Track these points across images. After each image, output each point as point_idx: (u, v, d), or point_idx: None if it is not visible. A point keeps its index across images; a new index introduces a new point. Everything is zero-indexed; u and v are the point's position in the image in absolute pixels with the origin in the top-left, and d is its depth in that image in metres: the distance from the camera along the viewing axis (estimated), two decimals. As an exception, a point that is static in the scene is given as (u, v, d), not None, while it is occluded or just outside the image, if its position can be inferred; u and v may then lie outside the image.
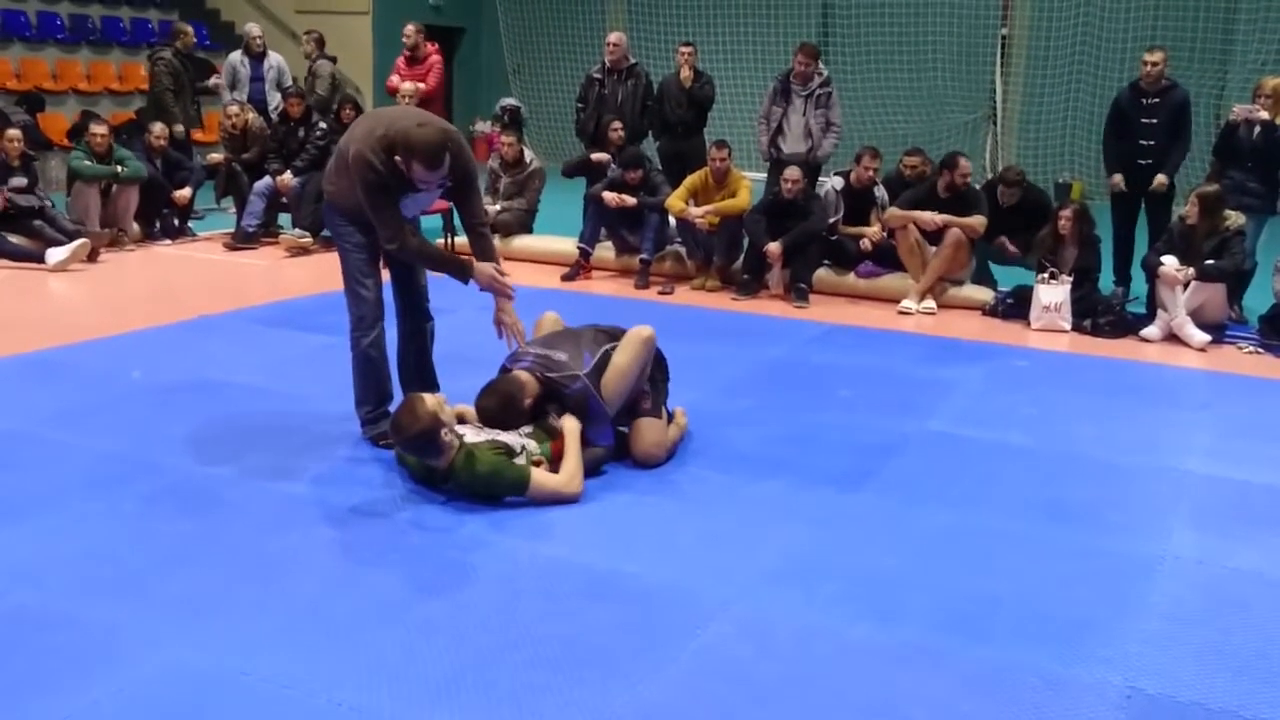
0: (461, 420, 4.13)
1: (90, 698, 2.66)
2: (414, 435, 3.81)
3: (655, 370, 4.47)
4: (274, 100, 10.58)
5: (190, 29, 11.22)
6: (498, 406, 4.11)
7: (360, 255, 4.38)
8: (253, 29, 10.90)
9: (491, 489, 3.88)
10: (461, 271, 4.34)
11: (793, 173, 7.73)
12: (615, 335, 4.40)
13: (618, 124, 8.76)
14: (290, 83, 10.81)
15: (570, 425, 4.11)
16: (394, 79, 10.04)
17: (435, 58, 10.11)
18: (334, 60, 10.93)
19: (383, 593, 3.24)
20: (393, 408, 4.24)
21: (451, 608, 3.16)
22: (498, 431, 4.05)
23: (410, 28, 10.18)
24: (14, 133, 8.42)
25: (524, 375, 4.18)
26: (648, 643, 3.00)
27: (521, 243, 9.05)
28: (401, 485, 4.07)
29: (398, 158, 4.04)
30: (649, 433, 4.32)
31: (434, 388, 4.57)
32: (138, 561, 3.39)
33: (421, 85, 9.76)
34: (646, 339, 4.34)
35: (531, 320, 4.73)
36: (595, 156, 8.84)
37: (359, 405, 4.53)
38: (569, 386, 4.16)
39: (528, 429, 4.08)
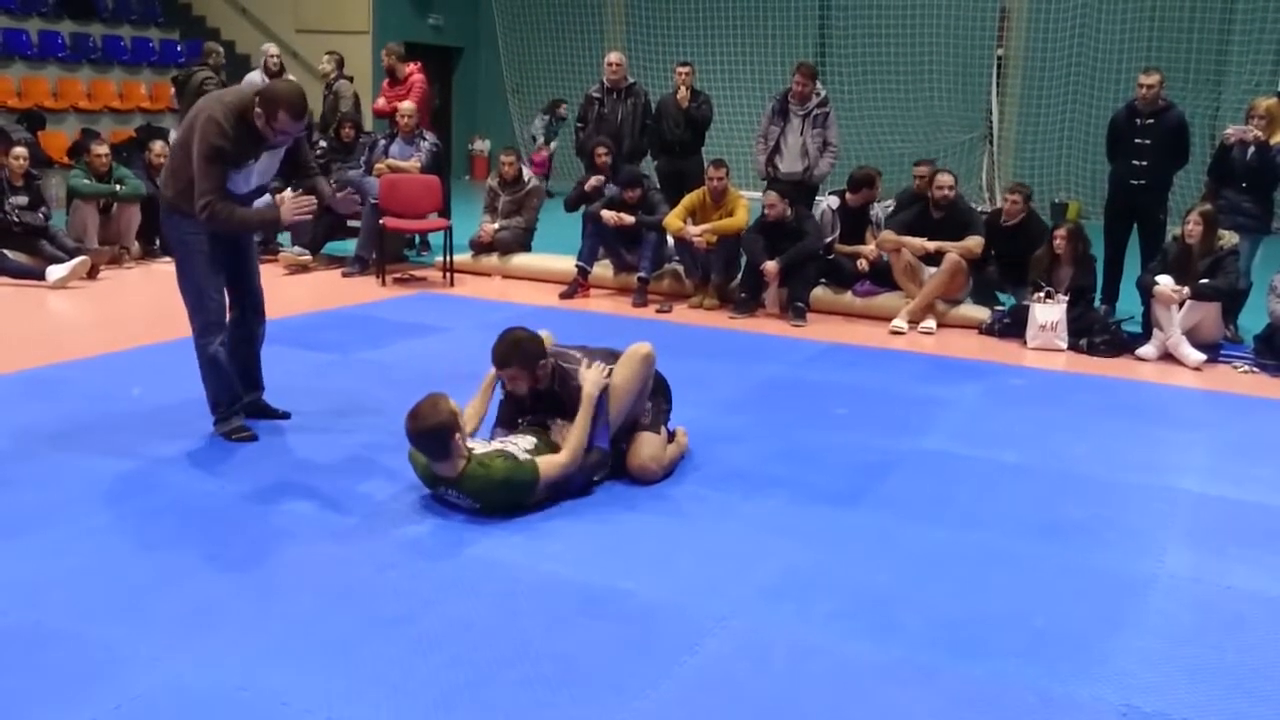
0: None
1: (88, 715, 2.67)
2: (430, 427, 3.84)
3: (657, 393, 4.50)
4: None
5: (220, 48, 11.27)
6: (510, 344, 4.18)
7: (207, 262, 4.52)
8: (270, 49, 10.89)
9: (509, 490, 3.92)
10: (275, 223, 4.67)
11: (770, 197, 7.81)
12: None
13: (602, 149, 8.76)
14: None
15: (590, 387, 4.15)
16: (380, 101, 10.08)
17: (416, 76, 10.13)
18: (351, 80, 10.97)
19: (381, 609, 3.25)
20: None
21: (449, 624, 3.17)
22: (502, 442, 4.08)
23: (384, 50, 10.23)
24: (20, 150, 8.44)
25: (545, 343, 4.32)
26: (645, 659, 3.02)
27: (520, 261, 9.09)
28: (401, 502, 4.08)
29: (258, 111, 4.26)
30: (645, 447, 4.34)
31: (258, 387, 4.90)
32: (136, 578, 3.40)
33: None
34: (645, 355, 4.37)
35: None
36: (589, 185, 8.68)
37: (215, 406, 4.70)
38: (576, 378, 4.23)
39: (529, 444, 4.09)
